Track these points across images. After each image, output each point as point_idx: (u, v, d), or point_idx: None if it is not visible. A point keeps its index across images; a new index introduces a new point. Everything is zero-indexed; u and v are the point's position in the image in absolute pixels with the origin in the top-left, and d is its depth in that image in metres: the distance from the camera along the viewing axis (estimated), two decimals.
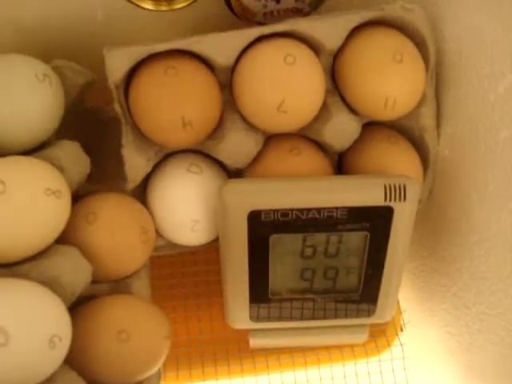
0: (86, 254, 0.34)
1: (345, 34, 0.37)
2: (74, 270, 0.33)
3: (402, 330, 0.48)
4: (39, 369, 0.29)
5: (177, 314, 0.43)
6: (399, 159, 0.39)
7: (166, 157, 0.40)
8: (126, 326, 0.33)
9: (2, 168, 0.32)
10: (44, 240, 0.32)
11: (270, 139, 0.40)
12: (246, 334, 0.42)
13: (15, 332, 0.28)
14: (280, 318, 0.40)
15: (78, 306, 0.34)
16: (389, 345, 0.46)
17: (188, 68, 0.36)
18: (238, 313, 0.40)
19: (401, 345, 0.47)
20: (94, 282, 0.35)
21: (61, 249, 0.33)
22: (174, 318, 0.42)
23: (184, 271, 0.45)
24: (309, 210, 0.35)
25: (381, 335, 0.46)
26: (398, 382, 0.46)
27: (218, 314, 0.42)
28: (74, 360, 0.31)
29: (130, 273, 0.37)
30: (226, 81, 0.38)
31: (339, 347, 0.45)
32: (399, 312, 0.48)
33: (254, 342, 0.42)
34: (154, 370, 0.34)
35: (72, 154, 0.36)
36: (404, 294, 0.48)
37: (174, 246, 0.41)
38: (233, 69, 0.37)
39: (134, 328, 0.33)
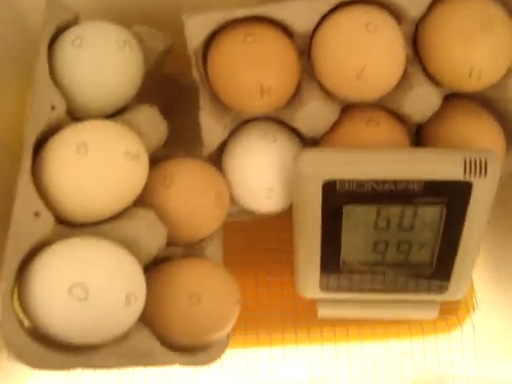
0: (162, 216, 0.34)
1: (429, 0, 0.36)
2: (150, 232, 0.34)
3: (474, 309, 0.47)
4: (115, 324, 0.30)
5: (247, 280, 0.43)
6: (481, 132, 0.38)
7: (243, 124, 0.40)
8: (198, 288, 0.34)
9: (84, 131, 0.33)
10: (122, 202, 0.33)
11: (348, 109, 0.39)
12: (314, 303, 0.42)
13: (94, 288, 0.29)
14: (350, 290, 0.40)
15: (152, 268, 0.35)
16: (460, 323, 0.45)
17: (267, 35, 0.36)
18: (309, 282, 0.40)
19: (472, 324, 0.46)
20: (169, 244, 0.36)
21: (138, 211, 0.34)
22: (245, 283, 0.42)
23: (257, 237, 0.45)
24: (385, 181, 0.34)
25: (452, 313, 0.45)
26: (467, 361, 0.45)
27: (288, 282, 0.42)
28: (147, 319, 0.33)
29: (203, 237, 0.38)
30: (305, 48, 0.37)
31: (408, 322, 0.45)
32: (472, 291, 0.46)
33: (322, 312, 0.42)
34: (224, 333, 0.35)
35: (150, 119, 0.37)
36: (478, 273, 0.47)
37: (248, 212, 0.41)
38: (312, 36, 0.37)
39: (206, 291, 0.34)
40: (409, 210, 0.36)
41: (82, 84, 0.35)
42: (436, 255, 0.38)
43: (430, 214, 0.36)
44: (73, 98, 0.35)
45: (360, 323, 0.45)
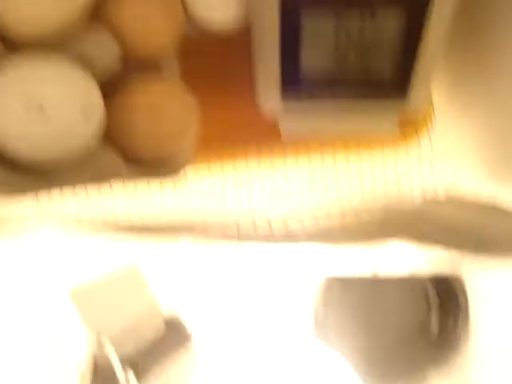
0: (114, 32, 0.33)
1: None
2: (102, 47, 0.33)
3: (432, 125, 0.48)
4: (74, 136, 0.31)
5: (207, 96, 0.43)
6: None
7: None
8: (157, 101, 0.34)
9: None
10: (73, 14, 0.32)
11: None
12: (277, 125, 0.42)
13: (50, 101, 0.29)
14: (311, 97, 0.40)
15: (109, 87, 0.34)
16: (418, 136, 0.46)
17: None
18: (269, 93, 0.40)
19: (430, 139, 0.47)
20: (124, 61, 0.35)
21: (89, 27, 0.33)
22: (204, 106, 0.42)
23: (215, 53, 0.44)
24: None
25: (410, 129, 0.46)
26: (424, 176, 0.47)
27: (248, 97, 0.42)
28: (108, 138, 0.33)
29: (159, 52, 0.37)
30: None
31: (368, 140, 0.46)
32: (431, 108, 0.47)
33: (285, 130, 0.42)
34: (185, 140, 0.36)
35: None
36: (437, 89, 0.47)
37: (205, 27, 0.40)
38: None
39: (165, 103, 0.35)
40: (368, 15, 0.35)
41: None
42: (396, 62, 0.37)
43: (390, 19, 0.35)
44: None
45: (322, 143, 0.46)
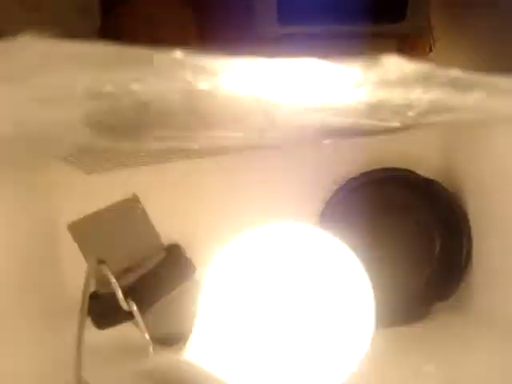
0: None
1: None
2: None
3: (431, 48, 0.48)
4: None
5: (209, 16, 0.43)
6: None
7: None
8: (156, 11, 0.34)
9: None
10: None
11: None
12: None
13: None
14: (308, 24, 0.40)
15: None
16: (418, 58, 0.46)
17: None
18: (266, 16, 0.39)
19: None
20: None
21: None
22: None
23: None
24: None
25: (409, 52, 0.46)
26: None
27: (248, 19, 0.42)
28: None
29: None
30: None
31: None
32: (429, 30, 0.47)
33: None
34: None
35: None
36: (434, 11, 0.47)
37: None
38: None
39: (164, 14, 0.34)
40: None
41: None
42: None
43: None
44: None
45: None
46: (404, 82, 0.23)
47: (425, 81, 0.24)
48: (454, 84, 0.24)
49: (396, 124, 0.31)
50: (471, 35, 0.45)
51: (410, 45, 0.46)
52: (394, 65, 0.22)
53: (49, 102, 0.27)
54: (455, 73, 0.23)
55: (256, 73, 0.23)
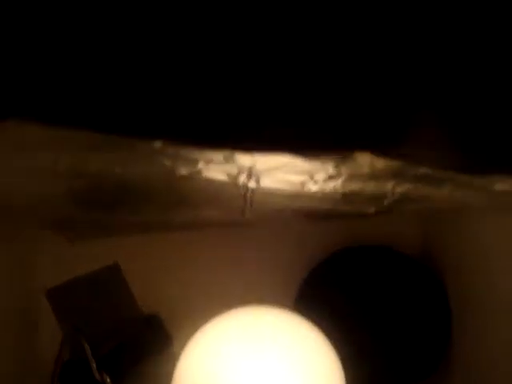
0: None
1: None
2: None
3: None
4: None
5: None
6: None
7: None
8: None
9: None
10: None
11: None
12: None
13: None
14: None
15: None
16: None
17: None
18: None
19: None
20: None
21: None
22: None
23: None
24: None
25: None
26: None
27: None
28: None
29: None
30: None
31: None
32: None
33: None
34: None
35: None
36: None
37: None
38: None
39: None
40: None
41: None
42: None
43: None
44: None
45: None
46: (376, 176, 0.24)
47: (396, 176, 0.25)
48: (425, 178, 0.25)
49: (372, 210, 0.32)
50: None
51: None
52: (366, 160, 0.23)
53: (34, 178, 0.28)
54: (425, 170, 0.24)
55: (235, 164, 0.24)
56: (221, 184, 0.26)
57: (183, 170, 0.24)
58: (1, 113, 0.21)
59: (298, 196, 0.28)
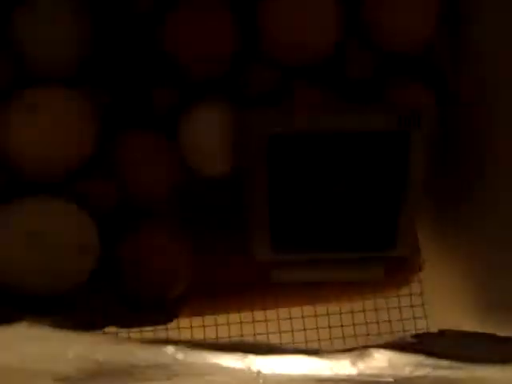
0: (116, 177, 0.36)
1: None
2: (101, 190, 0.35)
3: (420, 268, 0.48)
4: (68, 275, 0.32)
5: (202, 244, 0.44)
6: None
7: None
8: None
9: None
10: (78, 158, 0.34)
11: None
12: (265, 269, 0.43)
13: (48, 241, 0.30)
14: (301, 251, 0.41)
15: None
16: (407, 282, 0.47)
17: None
18: (260, 245, 0.41)
19: (419, 281, 0.47)
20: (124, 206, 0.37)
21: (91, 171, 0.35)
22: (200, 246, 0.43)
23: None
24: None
25: (398, 272, 0.47)
26: (416, 316, 0.47)
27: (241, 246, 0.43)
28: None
29: (158, 199, 0.38)
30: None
31: (358, 283, 0.46)
32: (417, 249, 0.48)
33: (275, 276, 0.43)
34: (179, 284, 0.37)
35: None
36: (423, 231, 0.49)
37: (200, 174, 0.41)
38: None
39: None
40: (351, 164, 0.38)
41: None
42: (380, 214, 0.40)
43: (371, 166, 0.38)
44: None
45: (312, 287, 0.46)
46: (392, 370, 0.24)
47: (413, 368, 0.24)
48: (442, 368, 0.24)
49: None
50: (462, 256, 0.46)
51: (399, 266, 0.47)
52: (382, 356, 0.23)
53: None
54: (444, 363, 0.23)
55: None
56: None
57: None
58: None
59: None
